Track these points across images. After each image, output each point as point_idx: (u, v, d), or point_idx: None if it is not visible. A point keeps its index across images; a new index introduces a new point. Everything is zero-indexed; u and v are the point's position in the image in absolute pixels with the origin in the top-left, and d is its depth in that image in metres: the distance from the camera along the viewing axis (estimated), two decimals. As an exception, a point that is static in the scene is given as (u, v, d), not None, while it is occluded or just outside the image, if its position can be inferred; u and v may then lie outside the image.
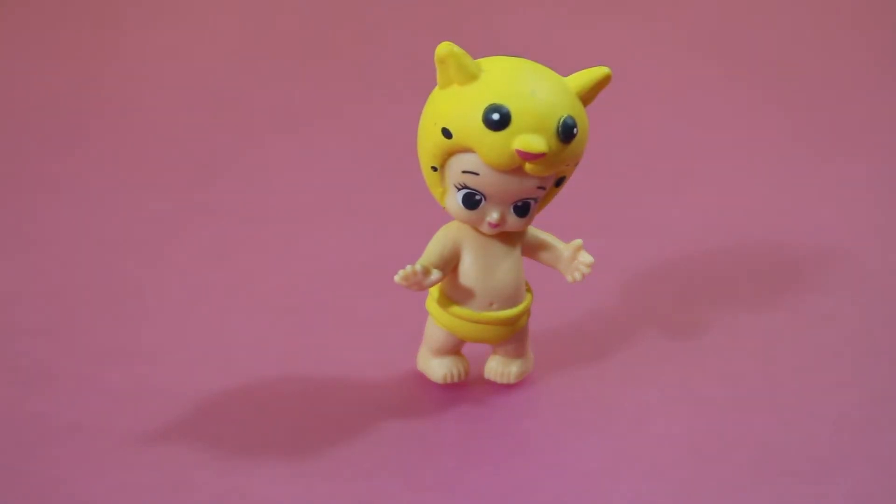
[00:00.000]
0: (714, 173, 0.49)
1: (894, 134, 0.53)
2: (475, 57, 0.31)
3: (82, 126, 0.54)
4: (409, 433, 0.33)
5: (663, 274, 0.41)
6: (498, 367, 0.35)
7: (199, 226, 0.45)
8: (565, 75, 0.32)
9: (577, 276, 0.33)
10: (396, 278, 0.31)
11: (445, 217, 0.33)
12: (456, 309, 0.33)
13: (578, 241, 0.33)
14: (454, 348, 0.34)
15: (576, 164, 0.32)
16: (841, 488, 0.31)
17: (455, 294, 0.33)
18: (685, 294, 0.40)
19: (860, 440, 0.33)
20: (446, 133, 0.30)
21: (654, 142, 0.52)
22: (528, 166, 0.30)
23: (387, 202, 0.47)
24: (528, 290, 0.34)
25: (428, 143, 0.31)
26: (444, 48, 0.30)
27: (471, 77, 0.30)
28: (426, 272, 0.32)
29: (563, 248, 0.33)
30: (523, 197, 0.31)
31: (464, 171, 0.31)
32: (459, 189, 0.31)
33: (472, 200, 0.31)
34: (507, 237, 0.33)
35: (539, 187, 0.31)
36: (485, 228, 0.32)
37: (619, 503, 0.31)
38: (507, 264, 0.33)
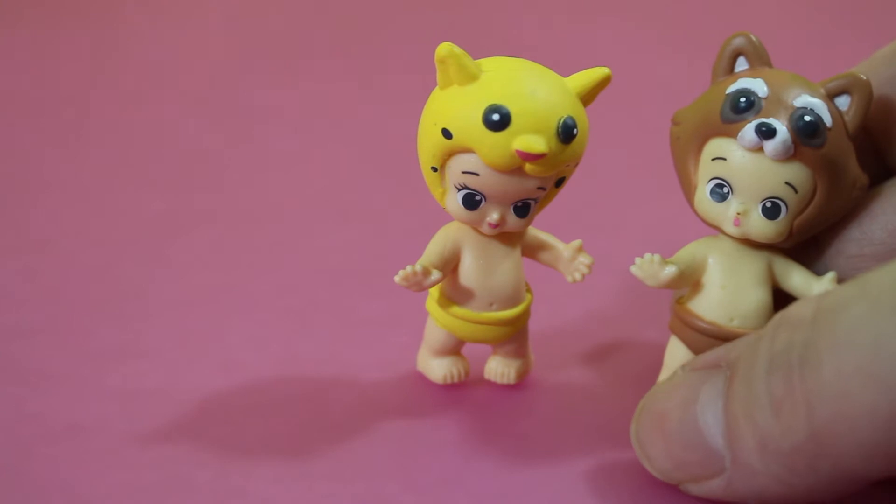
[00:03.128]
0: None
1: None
2: (475, 57, 0.31)
3: (82, 126, 0.54)
4: (409, 433, 0.33)
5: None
6: (498, 368, 0.35)
7: (199, 226, 0.45)
8: (565, 75, 0.32)
9: (577, 276, 0.33)
10: (396, 279, 0.31)
11: (445, 217, 0.33)
12: (456, 309, 0.33)
13: (578, 242, 0.33)
14: (454, 348, 0.34)
15: (576, 165, 0.32)
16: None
17: (455, 294, 0.33)
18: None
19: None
20: (446, 133, 0.30)
21: (654, 142, 0.52)
22: (528, 167, 0.30)
23: (387, 202, 0.47)
24: (528, 290, 0.34)
25: (428, 143, 0.31)
26: (445, 48, 0.30)
27: (471, 77, 0.30)
28: (426, 272, 0.32)
29: (563, 249, 0.34)
30: (523, 197, 0.31)
31: (464, 172, 0.31)
32: (459, 189, 0.31)
33: (472, 201, 0.31)
34: (507, 238, 0.33)
35: (539, 188, 0.31)
36: (485, 229, 0.32)
37: None
38: (507, 265, 0.33)
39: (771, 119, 0.30)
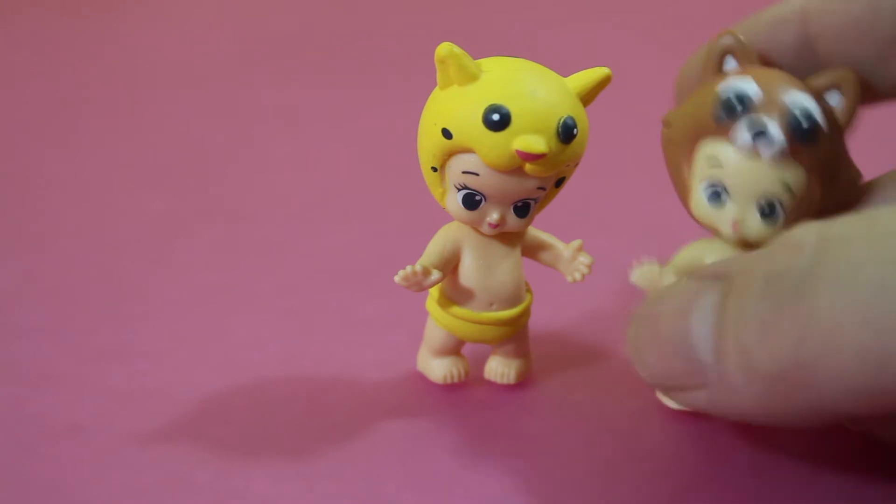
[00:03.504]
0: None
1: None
2: (475, 57, 0.31)
3: (82, 126, 0.54)
4: (409, 433, 0.33)
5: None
6: (498, 368, 0.35)
7: (199, 226, 0.45)
8: (565, 75, 0.32)
9: (577, 276, 0.33)
10: (396, 278, 0.32)
11: (445, 217, 0.33)
12: (456, 309, 0.33)
13: (578, 242, 0.34)
14: (454, 348, 0.34)
15: (576, 165, 0.32)
16: (846, 485, 0.31)
17: (455, 294, 0.33)
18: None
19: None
20: (446, 133, 0.30)
21: (653, 142, 0.52)
22: (528, 167, 0.30)
23: (387, 202, 0.47)
24: (528, 290, 0.34)
25: (428, 143, 0.31)
26: (445, 48, 0.30)
27: (471, 77, 0.30)
28: (426, 272, 0.32)
29: (563, 249, 0.34)
30: (523, 197, 0.31)
31: (464, 172, 0.31)
32: (459, 189, 0.31)
33: (472, 201, 0.31)
34: (507, 237, 0.33)
35: (539, 188, 0.31)
36: (485, 229, 0.32)
37: None
38: (507, 265, 0.33)
39: (764, 120, 0.30)
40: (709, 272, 0.29)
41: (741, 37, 0.31)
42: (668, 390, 0.29)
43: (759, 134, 0.29)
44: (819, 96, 0.30)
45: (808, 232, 0.26)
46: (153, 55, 0.64)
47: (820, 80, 0.30)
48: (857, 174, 0.31)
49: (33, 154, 0.51)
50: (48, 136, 0.53)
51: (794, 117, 0.30)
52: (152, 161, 0.51)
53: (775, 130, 0.29)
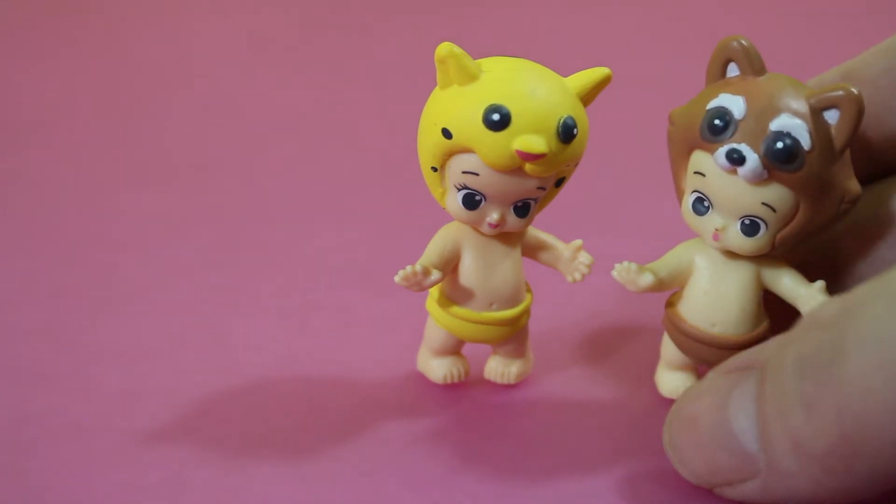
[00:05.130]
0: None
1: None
2: (475, 57, 0.31)
3: (82, 126, 0.54)
4: (409, 433, 0.33)
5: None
6: (498, 368, 0.35)
7: (199, 226, 0.45)
8: (565, 75, 0.32)
9: (577, 276, 0.33)
10: (396, 279, 0.31)
11: (445, 217, 0.33)
12: (456, 309, 0.33)
13: (578, 242, 0.34)
14: (454, 348, 0.34)
15: (576, 165, 0.32)
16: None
17: (455, 294, 0.33)
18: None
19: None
20: (446, 133, 0.30)
21: (654, 142, 0.52)
22: (528, 167, 0.30)
23: (387, 203, 0.47)
24: (528, 290, 0.34)
25: (428, 143, 0.31)
26: (445, 48, 0.30)
27: (471, 77, 0.30)
28: (426, 272, 0.32)
29: (563, 249, 0.34)
30: (523, 197, 0.31)
31: (464, 172, 0.31)
32: (459, 189, 0.31)
33: (472, 201, 0.31)
34: (507, 237, 0.33)
35: (539, 188, 0.31)
36: (485, 229, 0.32)
37: None
38: (507, 265, 0.33)
39: (742, 145, 0.29)
40: (736, 365, 0.29)
41: (744, 42, 0.31)
42: (714, 486, 0.29)
43: (736, 160, 0.29)
44: (817, 112, 0.29)
45: (830, 308, 0.26)
46: (153, 54, 0.64)
47: (820, 98, 0.29)
48: (857, 190, 0.30)
49: (33, 153, 0.51)
50: (47, 135, 0.53)
51: (774, 143, 0.29)
52: (152, 161, 0.51)
53: (752, 157, 0.29)
